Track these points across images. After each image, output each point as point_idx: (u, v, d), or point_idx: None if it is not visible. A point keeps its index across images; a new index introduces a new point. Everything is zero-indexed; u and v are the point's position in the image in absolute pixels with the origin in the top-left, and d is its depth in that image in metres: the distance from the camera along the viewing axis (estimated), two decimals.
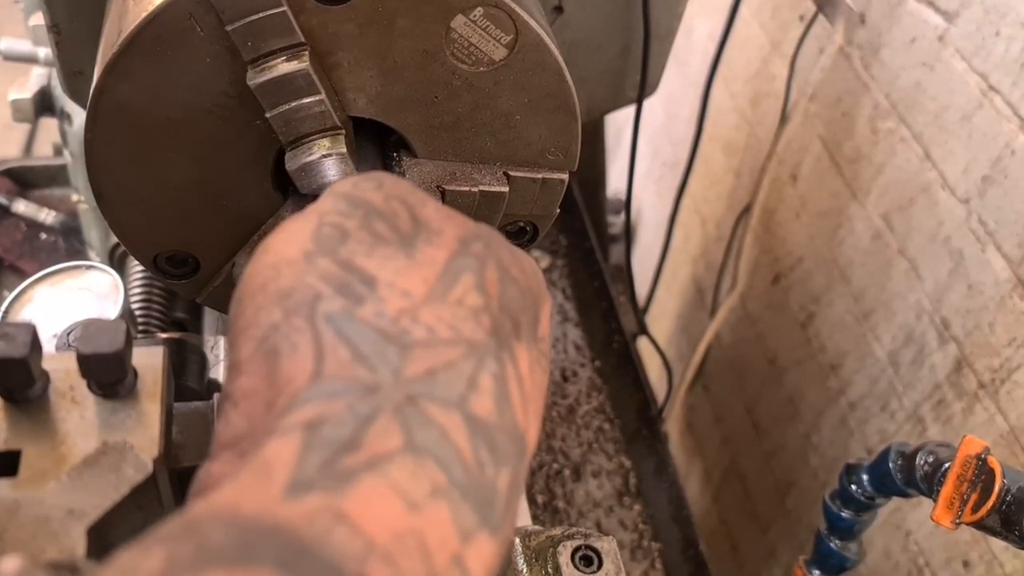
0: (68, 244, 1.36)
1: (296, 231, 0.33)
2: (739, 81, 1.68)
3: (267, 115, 0.49)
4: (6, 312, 0.69)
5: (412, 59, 0.51)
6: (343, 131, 0.51)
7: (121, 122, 0.51)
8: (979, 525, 0.71)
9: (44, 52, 1.08)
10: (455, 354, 0.31)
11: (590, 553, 0.58)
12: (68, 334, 0.63)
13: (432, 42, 0.51)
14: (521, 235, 0.61)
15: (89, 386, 0.42)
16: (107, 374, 0.41)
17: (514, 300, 0.34)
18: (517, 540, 0.58)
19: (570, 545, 0.58)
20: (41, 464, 0.39)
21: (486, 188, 0.56)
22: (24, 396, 0.40)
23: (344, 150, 0.50)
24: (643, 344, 1.56)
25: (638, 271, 1.62)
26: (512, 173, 0.57)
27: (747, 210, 1.59)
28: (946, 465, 0.74)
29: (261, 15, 0.47)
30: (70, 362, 0.41)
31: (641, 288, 1.76)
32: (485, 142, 0.56)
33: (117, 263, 1.04)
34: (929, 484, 0.76)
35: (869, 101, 1.27)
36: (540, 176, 0.57)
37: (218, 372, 0.73)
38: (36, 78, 1.09)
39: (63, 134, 1.08)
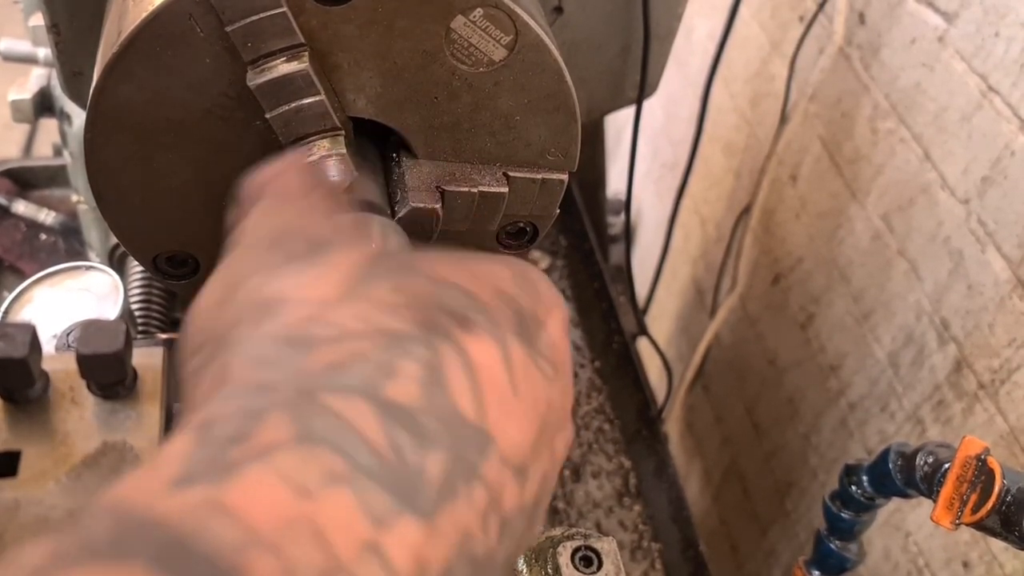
0: (68, 245, 1.36)
1: (208, 285, 0.34)
2: (739, 81, 1.68)
3: (267, 116, 0.49)
4: (6, 312, 0.69)
5: (412, 60, 0.51)
6: (343, 132, 0.51)
7: (121, 123, 0.51)
8: (979, 526, 0.71)
9: (44, 52, 1.08)
10: (366, 345, 0.30)
11: (590, 554, 0.58)
12: (68, 335, 0.63)
13: (432, 43, 0.51)
14: (521, 236, 0.61)
15: (89, 387, 0.42)
16: (107, 375, 0.41)
17: (454, 297, 0.33)
18: None
19: (570, 546, 0.58)
20: (41, 464, 0.39)
21: (485, 189, 0.56)
22: (24, 396, 0.41)
23: (344, 151, 0.50)
24: (643, 345, 1.56)
25: (638, 272, 1.62)
26: (512, 174, 0.57)
27: (747, 211, 1.59)
28: (946, 466, 0.74)
29: (261, 16, 0.47)
30: (70, 363, 0.41)
31: (641, 289, 1.76)
32: (485, 142, 0.56)
33: (117, 264, 1.04)
34: (929, 485, 0.76)
35: (869, 101, 1.27)
36: (540, 177, 0.57)
37: None
38: (36, 78, 1.09)
39: (63, 134, 1.08)
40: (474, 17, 0.50)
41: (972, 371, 1.07)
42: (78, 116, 1.01)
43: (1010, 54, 1.00)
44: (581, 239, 1.45)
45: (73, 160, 1.08)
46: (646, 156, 2.13)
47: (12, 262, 1.33)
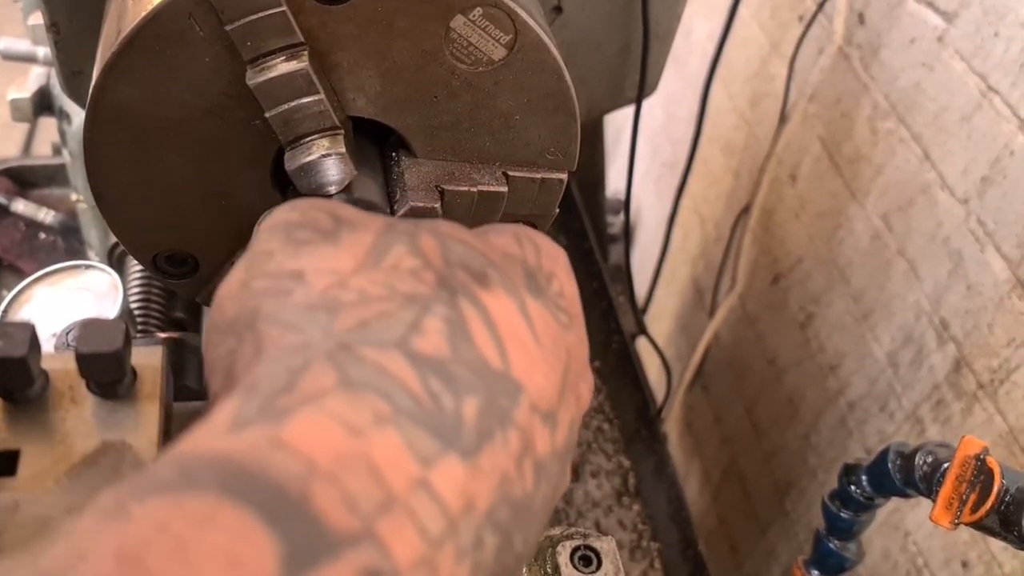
0: (67, 244, 1.36)
1: (233, 271, 0.35)
2: (738, 81, 1.68)
3: (266, 115, 0.49)
4: (5, 312, 0.69)
5: (411, 59, 0.51)
6: (342, 131, 0.51)
7: (120, 122, 0.51)
8: (978, 525, 0.71)
9: (43, 51, 1.08)
10: (391, 306, 0.31)
11: (589, 553, 0.58)
12: (67, 334, 0.63)
13: (431, 42, 0.51)
14: None
15: (88, 386, 0.42)
16: (106, 374, 0.40)
17: (468, 256, 0.33)
18: None
19: (569, 545, 0.58)
20: (40, 464, 0.39)
21: (485, 188, 0.56)
22: (23, 396, 0.40)
23: (343, 150, 0.50)
24: (642, 344, 1.56)
25: (637, 271, 1.62)
26: (511, 173, 0.57)
27: (746, 210, 1.59)
28: (945, 465, 0.74)
29: (260, 15, 0.47)
30: (69, 362, 0.41)
31: (640, 288, 1.76)
32: (484, 142, 0.56)
33: (116, 263, 1.04)
34: (928, 484, 0.76)
35: (868, 101, 1.27)
36: (539, 176, 0.57)
37: None
38: (35, 78, 1.09)
39: (62, 134, 1.08)
40: (474, 16, 0.50)
41: (971, 371, 1.07)
42: (77, 115, 1.01)
43: (1010, 54, 1.00)
44: (580, 238, 1.45)
45: (72, 159, 1.08)
46: (645, 156, 2.13)
47: (11, 261, 1.34)
